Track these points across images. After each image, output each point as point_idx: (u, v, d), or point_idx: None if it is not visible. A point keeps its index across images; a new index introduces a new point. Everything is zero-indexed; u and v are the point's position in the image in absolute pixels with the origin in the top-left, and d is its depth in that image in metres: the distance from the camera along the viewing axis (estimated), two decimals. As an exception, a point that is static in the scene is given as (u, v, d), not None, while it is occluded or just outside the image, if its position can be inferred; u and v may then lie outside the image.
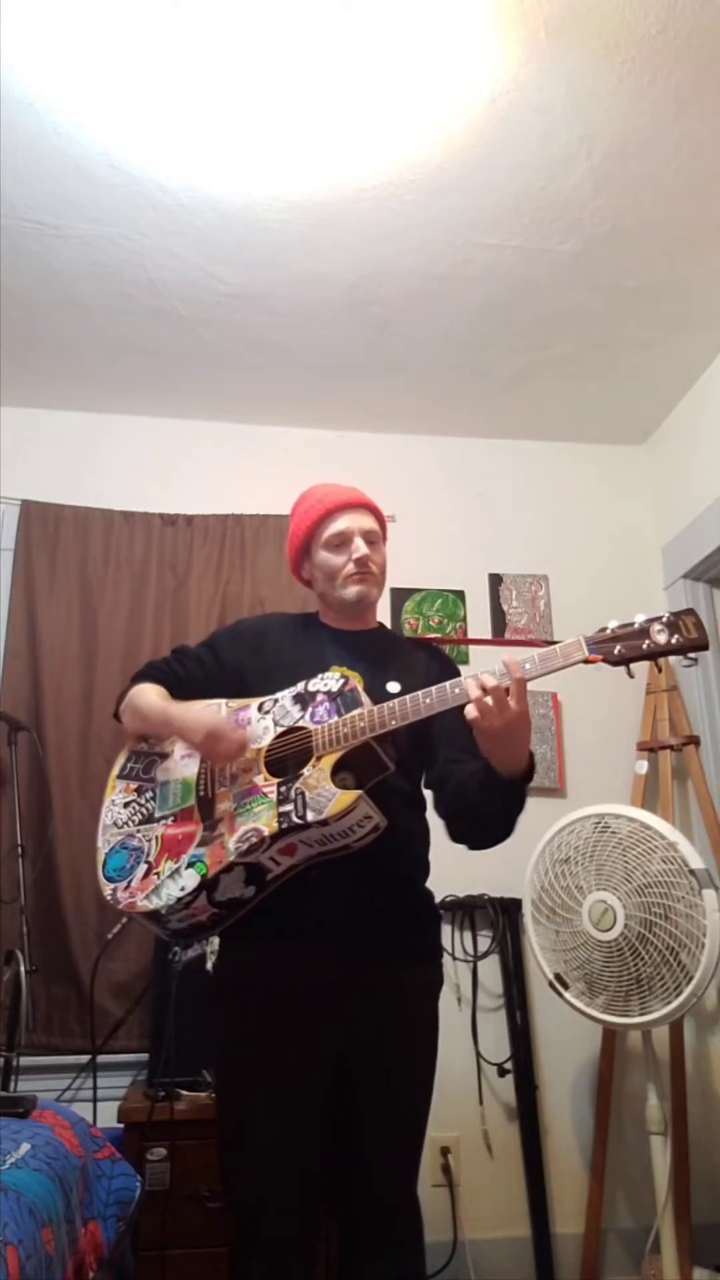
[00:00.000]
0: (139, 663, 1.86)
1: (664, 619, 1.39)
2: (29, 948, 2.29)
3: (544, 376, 3.08)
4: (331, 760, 1.49)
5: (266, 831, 1.47)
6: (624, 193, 2.33)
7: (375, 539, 1.78)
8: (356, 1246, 1.55)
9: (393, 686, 1.62)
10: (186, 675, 1.77)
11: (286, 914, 1.53)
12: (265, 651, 1.77)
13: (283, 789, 1.51)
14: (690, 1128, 2.64)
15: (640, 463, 3.48)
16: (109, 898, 1.58)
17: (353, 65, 1.97)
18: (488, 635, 3.19)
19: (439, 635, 3.15)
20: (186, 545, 3.09)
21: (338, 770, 1.48)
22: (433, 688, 1.47)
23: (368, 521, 1.77)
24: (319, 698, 1.58)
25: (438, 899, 1.76)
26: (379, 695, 1.56)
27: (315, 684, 1.60)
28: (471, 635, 3.19)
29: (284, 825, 1.47)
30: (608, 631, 1.42)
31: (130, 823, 1.65)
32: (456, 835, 1.63)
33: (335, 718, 1.53)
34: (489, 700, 1.39)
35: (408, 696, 1.48)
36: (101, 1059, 2.56)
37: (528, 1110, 2.73)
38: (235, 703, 1.67)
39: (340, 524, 1.74)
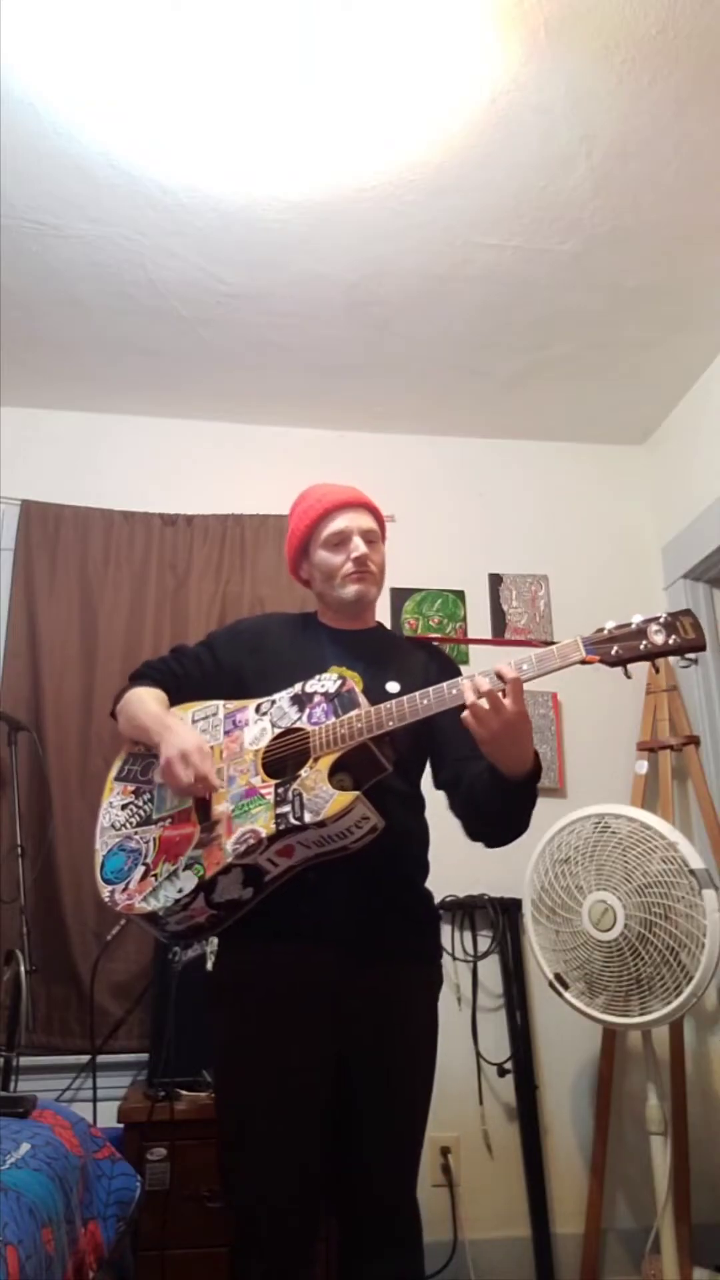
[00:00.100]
0: (139, 663, 1.86)
1: (661, 620, 1.39)
2: (29, 948, 2.29)
3: (544, 376, 3.08)
4: (329, 761, 1.49)
5: (264, 833, 1.47)
6: (624, 193, 2.32)
7: (374, 538, 1.77)
8: (356, 1246, 1.55)
9: (391, 686, 1.62)
10: (184, 675, 1.77)
11: (284, 915, 1.53)
12: (263, 651, 1.77)
13: (280, 790, 1.51)
14: (690, 1128, 2.64)
15: (640, 463, 3.47)
16: (107, 900, 1.58)
17: (353, 65, 1.97)
18: (488, 635, 3.19)
19: (439, 635, 3.14)
20: (186, 545, 3.09)
21: (335, 771, 1.48)
22: (430, 689, 1.47)
23: (366, 521, 1.77)
24: (316, 699, 1.58)
25: (438, 899, 1.76)
26: (377, 695, 1.57)
27: (313, 685, 1.60)
28: (471, 635, 3.18)
29: (281, 827, 1.46)
30: (605, 632, 1.42)
31: (128, 825, 1.65)
32: (472, 834, 1.64)
33: (333, 719, 1.53)
34: (484, 704, 1.39)
35: (405, 698, 1.48)
36: (101, 1059, 2.57)
37: (528, 1110, 2.73)
38: (233, 704, 1.68)
39: (339, 523, 1.74)
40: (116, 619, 2.97)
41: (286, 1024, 1.51)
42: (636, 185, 2.30)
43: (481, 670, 1.44)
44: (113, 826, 1.66)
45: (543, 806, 1.57)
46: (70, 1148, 1.80)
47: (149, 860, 1.58)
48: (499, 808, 1.54)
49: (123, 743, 1.76)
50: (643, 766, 2.97)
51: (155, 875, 1.55)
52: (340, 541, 1.74)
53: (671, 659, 1.40)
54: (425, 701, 1.46)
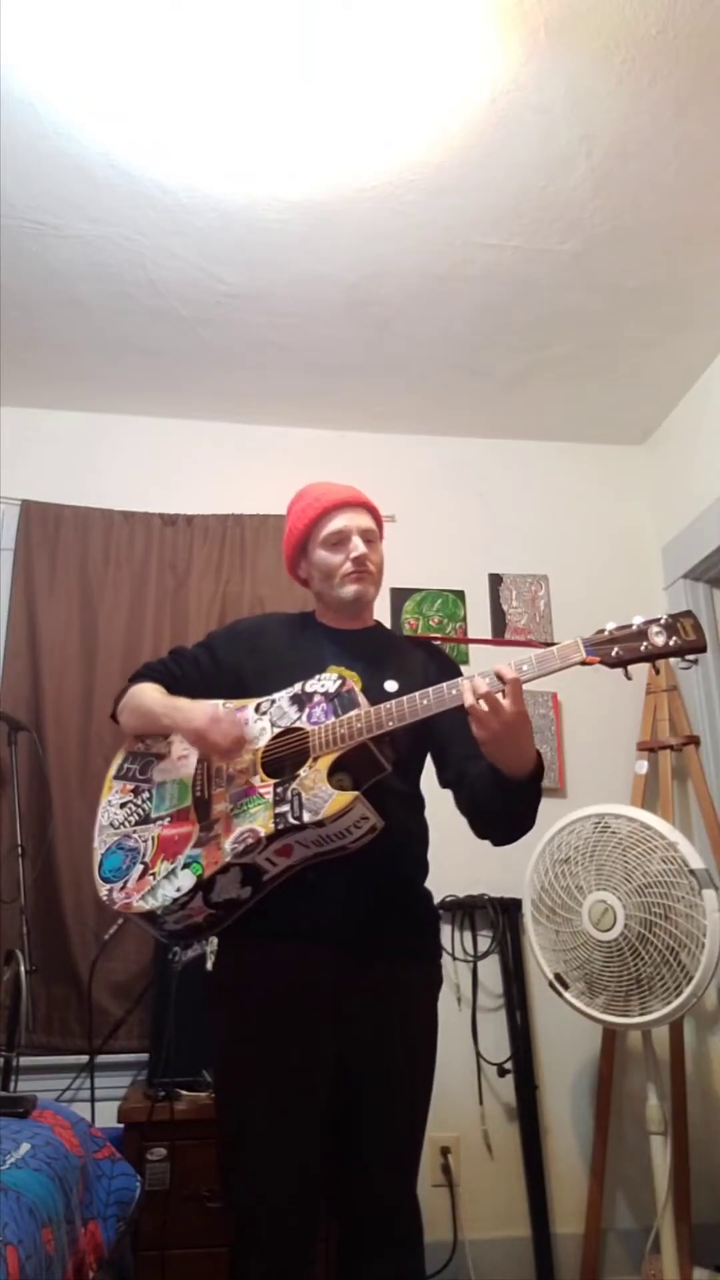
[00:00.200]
0: (139, 663, 1.86)
1: (662, 621, 1.39)
2: (29, 948, 2.29)
3: (544, 376, 3.08)
4: (328, 761, 1.49)
5: (263, 832, 1.47)
6: (624, 193, 2.32)
7: (372, 537, 1.77)
8: (356, 1246, 1.55)
9: (390, 686, 1.62)
10: (183, 676, 1.77)
11: (283, 915, 1.53)
12: (262, 651, 1.77)
13: (279, 790, 1.51)
14: (690, 1128, 2.64)
15: (640, 463, 3.47)
16: (105, 898, 1.58)
17: (353, 65, 1.97)
18: (488, 635, 3.19)
19: (439, 635, 3.14)
20: (186, 545, 3.09)
21: (334, 771, 1.48)
22: (429, 689, 1.47)
23: (364, 520, 1.76)
24: (316, 698, 1.58)
25: (438, 899, 1.76)
26: (376, 694, 1.57)
27: (312, 685, 1.60)
28: (471, 635, 3.18)
29: (280, 826, 1.47)
30: (605, 633, 1.42)
31: (126, 823, 1.65)
32: (479, 833, 1.64)
33: (332, 719, 1.53)
34: (483, 705, 1.39)
35: (405, 698, 1.48)
36: (101, 1059, 2.57)
37: (528, 1110, 2.73)
38: (233, 703, 1.67)
39: (337, 523, 1.74)
40: (116, 619, 2.97)
41: (286, 1024, 1.51)
42: (636, 185, 2.30)
43: (481, 671, 1.44)
44: (111, 825, 1.66)
45: (543, 806, 1.57)
46: (70, 1148, 1.80)
47: (147, 859, 1.58)
48: (500, 808, 1.54)
49: (123, 742, 1.76)
50: (643, 766, 2.97)
51: (153, 874, 1.55)
52: (339, 541, 1.74)
53: (672, 660, 1.40)
54: (425, 702, 1.46)
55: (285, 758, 1.55)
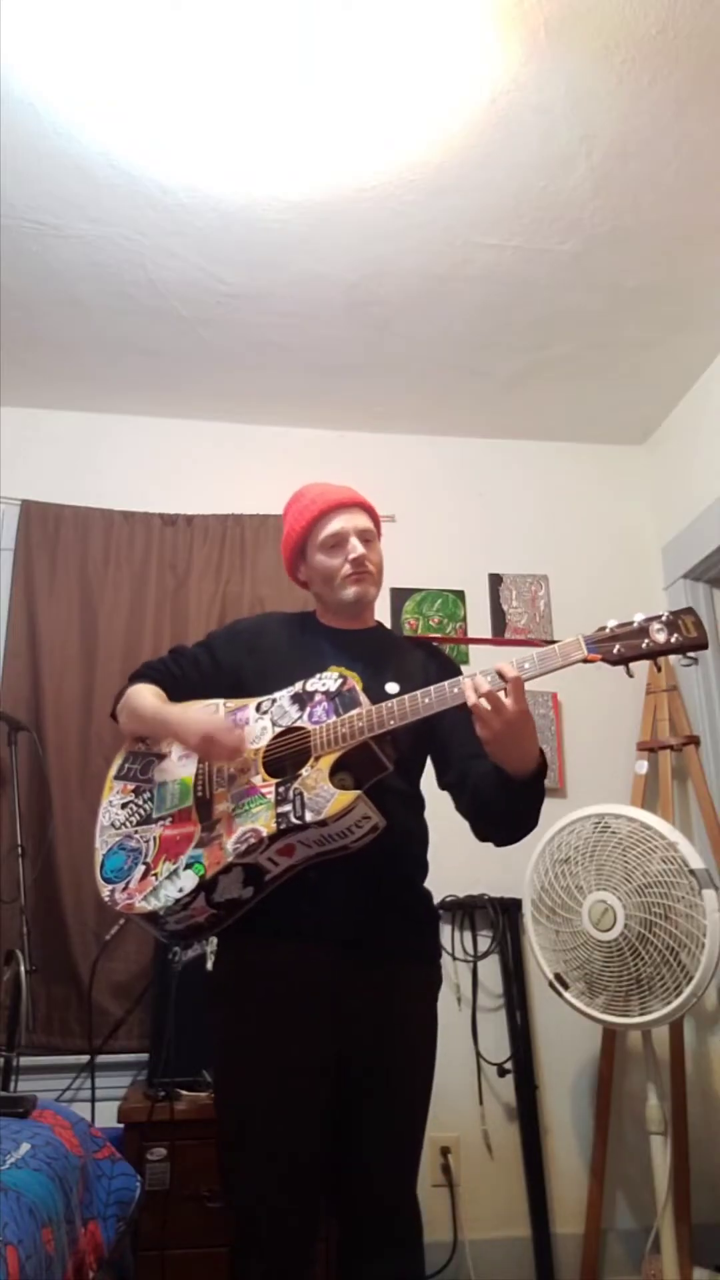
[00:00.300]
0: (139, 662, 1.86)
1: (663, 618, 1.39)
2: (29, 948, 2.29)
3: (544, 376, 3.08)
4: (330, 760, 1.49)
5: (265, 832, 1.47)
6: (624, 193, 2.32)
7: (370, 537, 1.77)
8: (356, 1246, 1.54)
9: (391, 686, 1.62)
10: (183, 675, 1.77)
11: (285, 915, 1.53)
12: (262, 651, 1.77)
13: (281, 789, 1.51)
14: (690, 1128, 2.64)
15: (640, 463, 3.48)
16: (107, 899, 1.58)
17: (353, 65, 1.97)
18: (488, 635, 3.19)
19: (439, 635, 3.14)
20: (186, 545, 3.09)
21: (336, 770, 1.48)
22: (431, 688, 1.46)
23: (362, 520, 1.76)
24: (317, 698, 1.58)
25: (438, 899, 1.75)
26: (377, 695, 1.56)
27: (313, 684, 1.60)
28: (471, 635, 3.18)
29: (282, 826, 1.46)
30: (607, 631, 1.42)
31: (128, 824, 1.64)
32: (481, 834, 1.63)
33: (333, 718, 1.53)
34: (485, 704, 1.39)
35: (406, 696, 1.48)
36: (101, 1059, 2.57)
37: (528, 1110, 2.73)
38: (233, 703, 1.67)
39: (335, 525, 1.73)
40: (116, 619, 2.97)
41: (286, 1024, 1.51)
42: (636, 185, 2.30)
43: (483, 669, 1.44)
44: (113, 825, 1.66)
45: (543, 806, 1.57)
46: (70, 1148, 1.80)
47: (149, 859, 1.58)
48: (504, 807, 1.54)
49: (123, 742, 1.76)
50: (643, 766, 2.97)
51: (155, 874, 1.55)
52: (337, 543, 1.73)
53: (673, 658, 1.40)
54: (427, 700, 1.46)
55: (286, 757, 1.55)
